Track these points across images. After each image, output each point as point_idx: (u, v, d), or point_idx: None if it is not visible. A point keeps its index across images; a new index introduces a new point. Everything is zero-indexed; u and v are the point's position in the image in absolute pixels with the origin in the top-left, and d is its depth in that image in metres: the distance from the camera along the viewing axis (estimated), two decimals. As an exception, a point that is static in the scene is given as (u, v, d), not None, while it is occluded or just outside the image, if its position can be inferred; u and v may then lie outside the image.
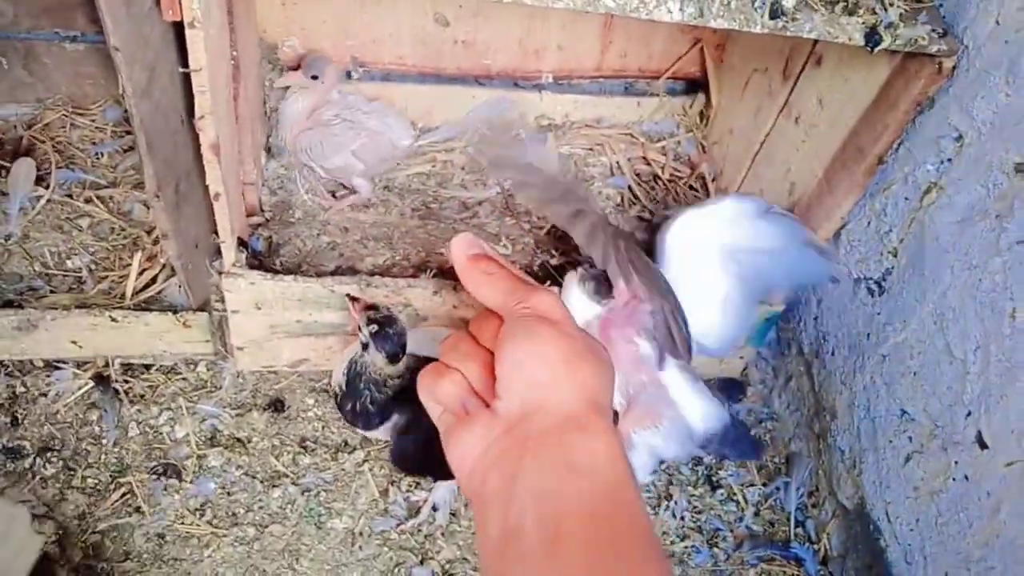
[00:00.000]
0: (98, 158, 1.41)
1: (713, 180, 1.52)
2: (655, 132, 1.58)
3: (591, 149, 1.56)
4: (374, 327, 1.07)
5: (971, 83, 1.01)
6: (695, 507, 1.33)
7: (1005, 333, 0.97)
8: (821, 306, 1.31)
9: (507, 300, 0.56)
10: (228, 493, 1.23)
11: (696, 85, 1.60)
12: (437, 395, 0.56)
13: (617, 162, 1.53)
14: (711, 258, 1.15)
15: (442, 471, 1.06)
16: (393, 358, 1.08)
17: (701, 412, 1.14)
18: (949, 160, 1.05)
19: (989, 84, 0.98)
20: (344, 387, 1.12)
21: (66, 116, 1.43)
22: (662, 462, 1.27)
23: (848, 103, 1.13)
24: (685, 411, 1.12)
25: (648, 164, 1.55)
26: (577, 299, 1.16)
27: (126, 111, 1.42)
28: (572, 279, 1.17)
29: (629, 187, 1.51)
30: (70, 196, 1.36)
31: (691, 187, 1.52)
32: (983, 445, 1.01)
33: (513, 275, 0.57)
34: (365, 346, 1.08)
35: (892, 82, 1.06)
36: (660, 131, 1.58)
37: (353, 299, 1.11)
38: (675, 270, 1.14)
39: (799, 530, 1.32)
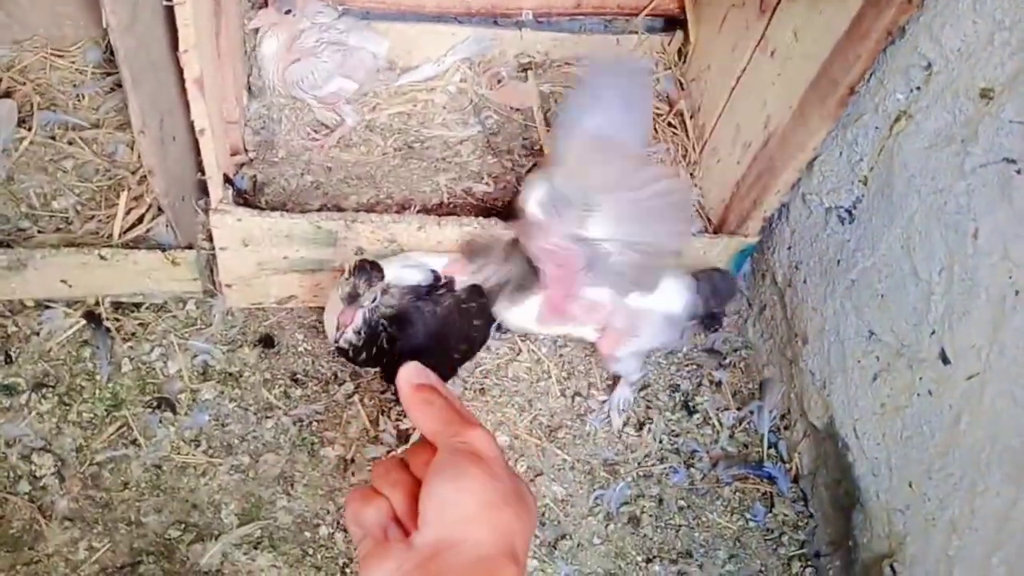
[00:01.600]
0: (79, 100, 1.41)
1: (691, 117, 1.54)
2: (634, 69, 1.60)
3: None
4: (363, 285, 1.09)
5: (940, 11, 1.03)
6: (673, 431, 1.39)
7: (968, 253, 1.01)
8: (794, 236, 1.35)
9: (442, 430, 0.56)
10: (222, 424, 1.27)
11: (674, 22, 1.61)
12: (360, 520, 0.55)
13: (596, 99, 1.55)
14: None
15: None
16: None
17: (671, 296, 1.22)
18: (918, 88, 1.08)
19: (957, 12, 1.01)
20: (362, 339, 1.15)
21: (45, 58, 1.43)
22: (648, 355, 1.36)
23: (822, 35, 1.16)
24: (658, 305, 1.17)
25: (627, 101, 1.57)
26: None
27: (107, 51, 1.43)
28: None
29: (608, 124, 1.53)
30: (53, 138, 1.36)
31: (670, 124, 1.54)
32: (946, 361, 1.06)
33: (452, 408, 0.58)
34: (385, 290, 1.12)
35: (864, 12, 1.08)
36: (639, 68, 1.60)
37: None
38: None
39: (771, 450, 1.39)
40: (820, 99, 1.17)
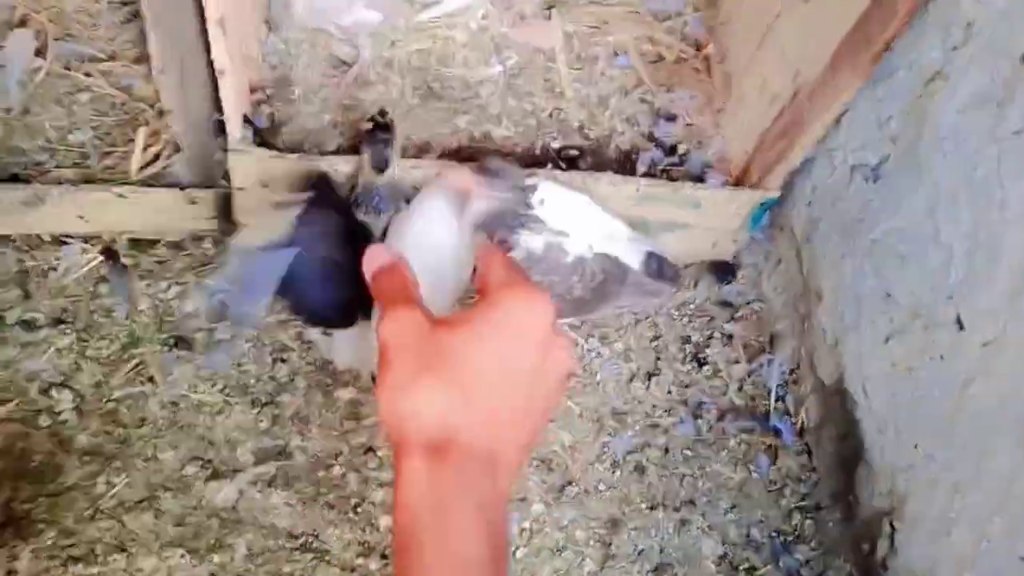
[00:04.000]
0: (95, 30, 1.37)
1: (719, 63, 1.50)
2: (662, 11, 1.55)
3: (596, 27, 1.53)
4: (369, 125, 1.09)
5: (985, -32, 1.00)
6: (682, 382, 1.40)
7: (993, 220, 1.00)
8: (815, 192, 1.34)
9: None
10: (238, 364, 1.28)
11: (705, -39, 1.56)
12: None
13: (622, 42, 1.51)
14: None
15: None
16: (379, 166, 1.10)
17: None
18: (955, 48, 1.05)
19: (1003, -30, 0.98)
20: None
21: (58, -15, 1.39)
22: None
23: (860, -15, 1.12)
24: None
25: (654, 44, 1.53)
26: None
27: (122, -19, 1.38)
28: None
29: (633, 68, 1.50)
30: (68, 69, 1.34)
31: (696, 69, 1.51)
32: (961, 327, 1.06)
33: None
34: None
35: (906, -36, 1.05)
36: (667, 9, 1.55)
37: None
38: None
39: (779, 404, 1.40)
40: (853, 53, 1.14)
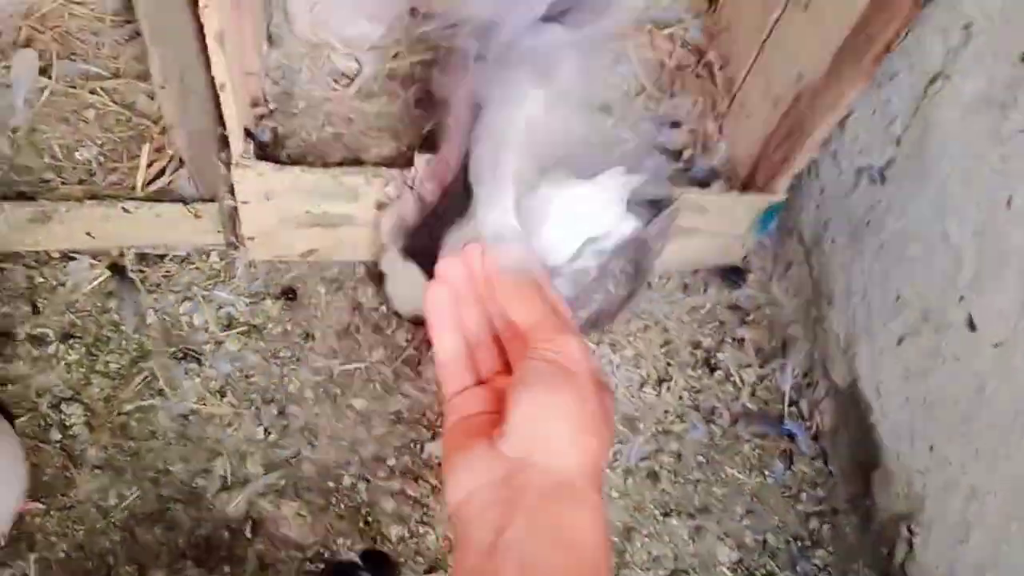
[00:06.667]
0: (99, 48, 1.39)
1: (721, 68, 1.50)
2: (663, 19, 1.55)
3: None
4: None
5: (984, -32, 0.99)
6: (693, 387, 1.39)
7: (1000, 220, 0.99)
8: (823, 195, 1.33)
9: (537, 328, 0.56)
10: (246, 376, 1.29)
11: (705, -33, 1.56)
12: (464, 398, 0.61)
13: (623, 49, 1.51)
14: None
15: None
16: None
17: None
18: (956, 48, 1.04)
19: (1002, -31, 0.97)
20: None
21: (63, 5, 1.41)
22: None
23: (859, -13, 1.11)
24: None
25: (655, 52, 1.53)
26: None
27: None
28: None
29: (635, 75, 1.50)
30: (73, 87, 1.36)
31: (698, 75, 1.50)
32: (972, 327, 1.04)
33: (551, 305, 0.58)
34: None
35: (905, -35, 1.04)
36: (668, 17, 1.55)
37: None
38: None
39: (793, 408, 1.39)
40: (855, 56, 1.13)
